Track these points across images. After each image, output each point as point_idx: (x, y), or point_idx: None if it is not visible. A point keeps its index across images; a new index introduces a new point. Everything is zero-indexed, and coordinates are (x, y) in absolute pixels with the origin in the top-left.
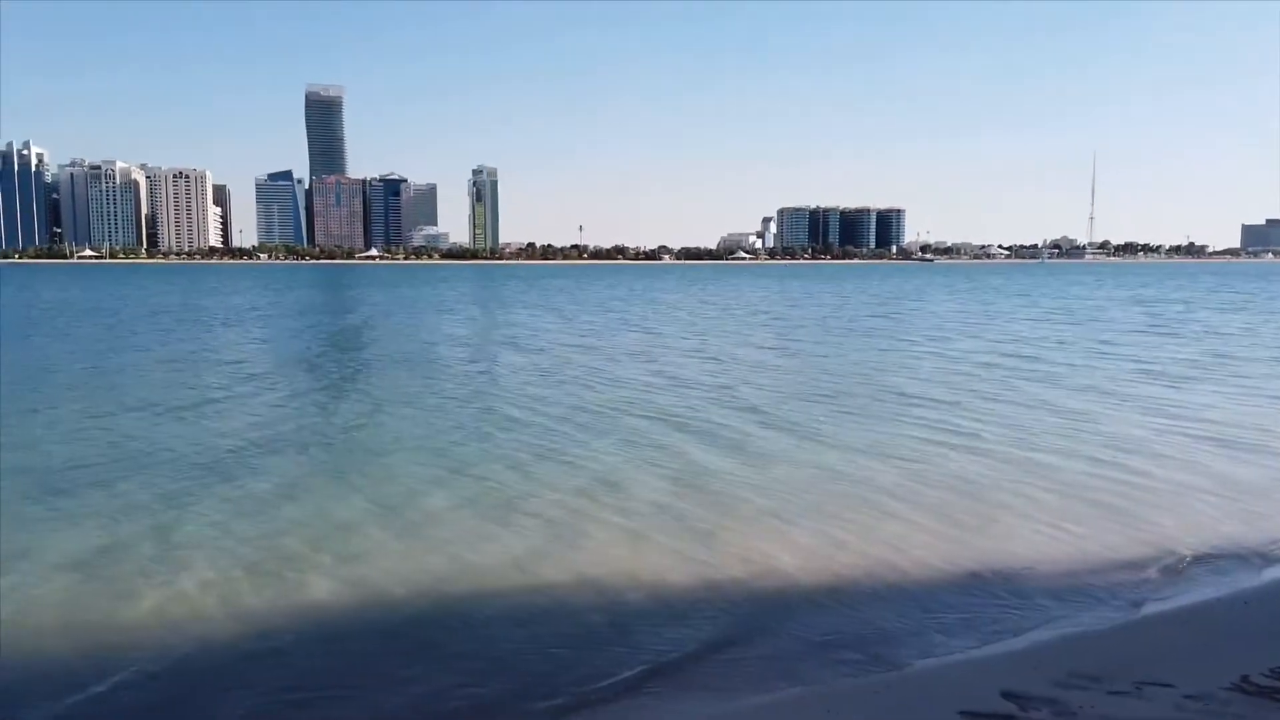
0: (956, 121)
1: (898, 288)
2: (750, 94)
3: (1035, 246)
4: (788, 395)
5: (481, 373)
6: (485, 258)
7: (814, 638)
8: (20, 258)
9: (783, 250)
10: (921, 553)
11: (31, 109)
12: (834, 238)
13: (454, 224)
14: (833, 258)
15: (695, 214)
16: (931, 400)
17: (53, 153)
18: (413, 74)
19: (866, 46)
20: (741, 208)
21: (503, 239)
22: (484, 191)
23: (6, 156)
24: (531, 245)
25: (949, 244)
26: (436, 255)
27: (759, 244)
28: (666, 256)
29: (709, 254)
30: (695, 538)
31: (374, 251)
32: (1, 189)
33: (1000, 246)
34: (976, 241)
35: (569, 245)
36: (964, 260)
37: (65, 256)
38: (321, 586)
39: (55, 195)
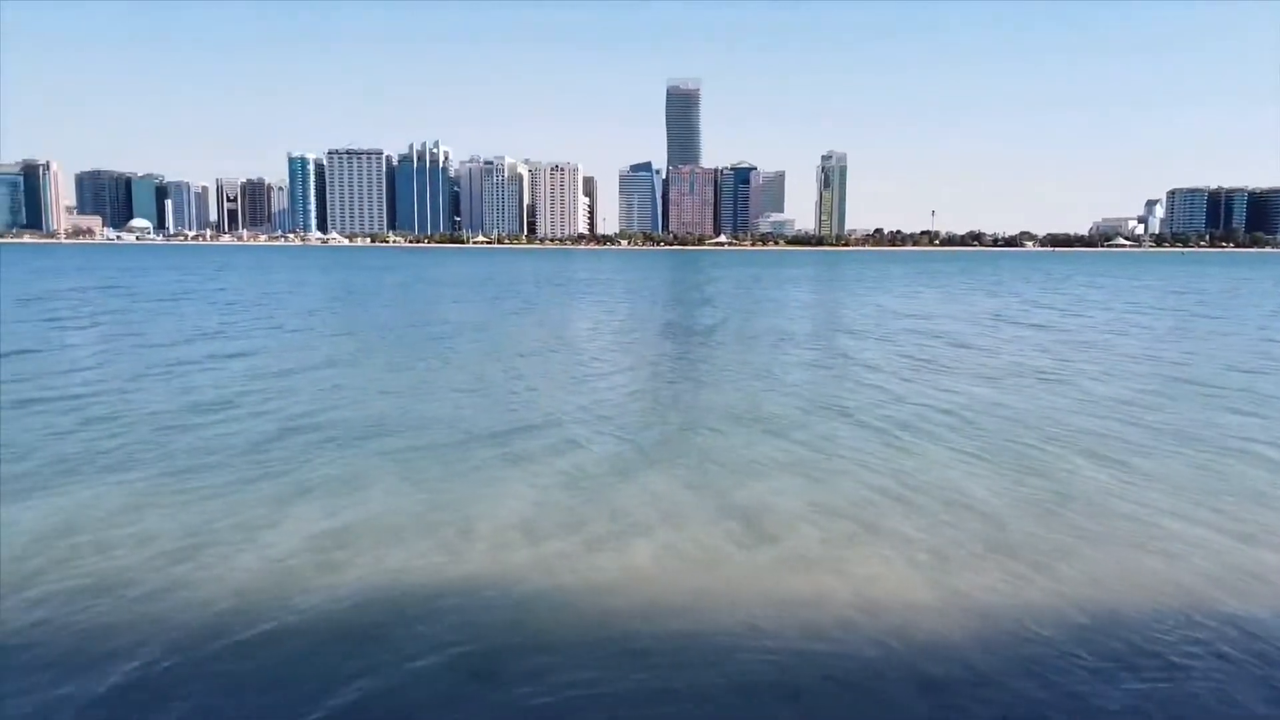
0: None
1: None
2: (1132, 60)
3: None
4: None
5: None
6: (831, 244)
7: None
8: (428, 243)
9: (1172, 237)
10: None
11: (438, 113)
12: (1239, 223)
13: (800, 210)
14: (1236, 246)
15: (1062, 196)
16: None
17: (455, 150)
18: (766, 62)
19: None
20: (1119, 189)
21: (849, 225)
22: (832, 177)
23: (420, 155)
24: (879, 231)
25: None
26: (782, 241)
27: (1140, 230)
28: (1029, 243)
29: (1080, 240)
30: None
31: (722, 238)
32: (416, 184)
33: None
34: None
35: (919, 231)
36: None
37: (462, 242)
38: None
39: (456, 188)
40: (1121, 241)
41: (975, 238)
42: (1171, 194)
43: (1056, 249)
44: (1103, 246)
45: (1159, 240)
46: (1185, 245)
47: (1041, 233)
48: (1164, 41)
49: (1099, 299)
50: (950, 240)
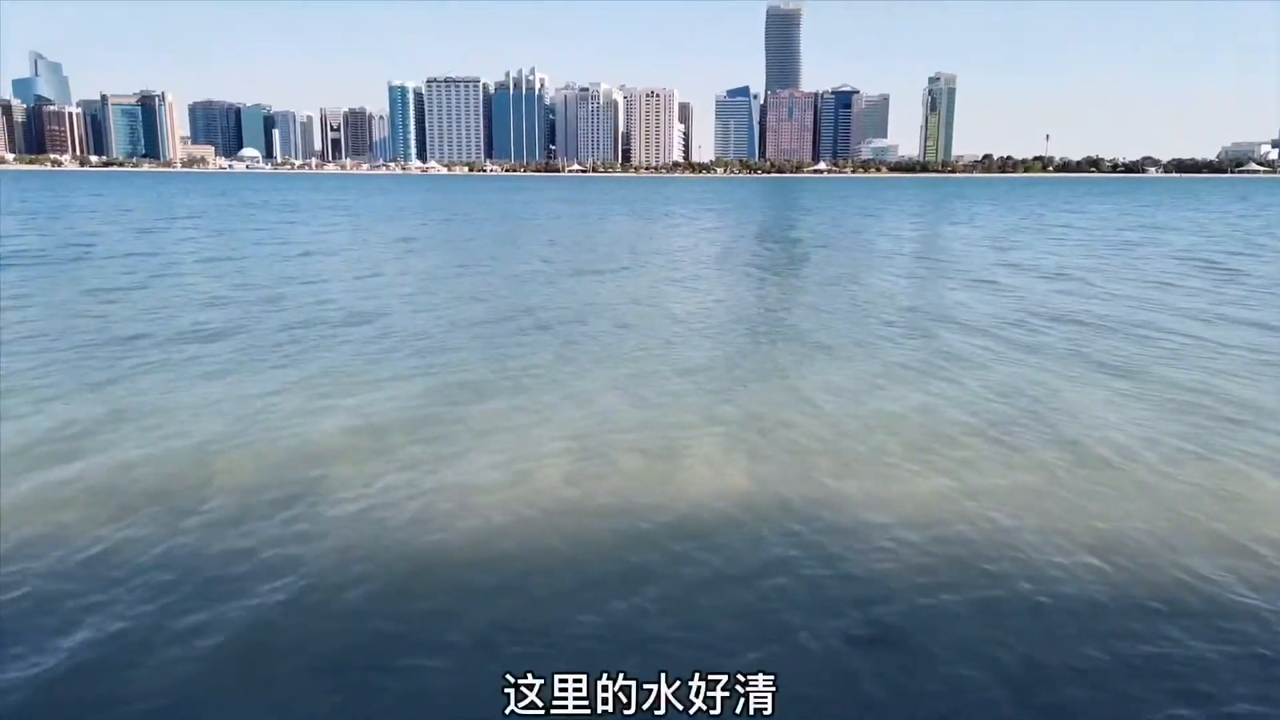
0: None
1: None
2: None
3: None
4: None
5: None
6: (936, 170)
7: None
8: (524, 171)
9: None
10: None
11: (537, 39)
12: None
13: (904, 136)
14: None
15: (1188, 120)
16: None
17: (551, 78)
18: None
19: None
20: (1252, 112)
21: (956, 151)
22: (939, 100)
23: (518, 82)
24: (988, 157)
25: None
26: (884, 168)
27: (1275, 155)
28: (1152, 169)
29: (1207, 166)
30: None
31: (821, 165)
32: (512, 112)
33: None
34: None
35: (1031, 157)
36: None
37: (558, 170)
38: None
39: (552, 116)
40: (1254, 167)
41: (1093, 164)
42: None
43: (1183, 175)
44: (1232, 172)
45: None
46: None
47: (1165, 158)
48: None
49: None
50: (1065, 166)
